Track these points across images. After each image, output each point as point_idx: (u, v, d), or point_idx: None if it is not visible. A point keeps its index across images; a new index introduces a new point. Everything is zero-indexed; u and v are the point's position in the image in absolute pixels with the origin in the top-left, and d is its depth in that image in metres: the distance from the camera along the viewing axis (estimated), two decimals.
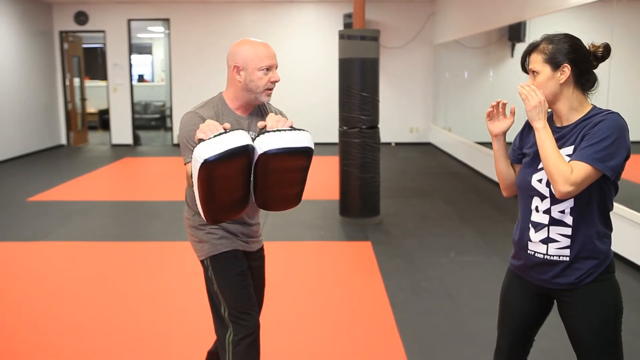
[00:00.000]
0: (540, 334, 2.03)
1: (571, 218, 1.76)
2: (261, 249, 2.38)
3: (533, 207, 1.83)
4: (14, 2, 9.79)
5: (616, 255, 4.26)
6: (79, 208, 6.30)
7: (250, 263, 2.29)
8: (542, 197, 1.81)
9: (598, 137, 1.68)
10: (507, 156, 1.98)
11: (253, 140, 1.89)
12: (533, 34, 6.33)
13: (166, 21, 11.36)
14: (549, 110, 1.83)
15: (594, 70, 1.81)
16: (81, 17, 11.10)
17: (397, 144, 11.36)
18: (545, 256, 1.81)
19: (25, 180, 7.93)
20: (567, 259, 1.78)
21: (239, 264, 2.20)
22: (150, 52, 16.02)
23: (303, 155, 1.94)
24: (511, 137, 1.97)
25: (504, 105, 1.94)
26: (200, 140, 1.80)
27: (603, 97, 4.36)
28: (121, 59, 11.25)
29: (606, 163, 1.67)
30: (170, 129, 12.04)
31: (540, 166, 1.81)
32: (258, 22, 10.99)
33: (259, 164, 1.88)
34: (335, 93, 6.30)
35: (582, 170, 1.67)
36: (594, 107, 1.80)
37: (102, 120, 13.69)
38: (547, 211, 1.80)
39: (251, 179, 1.94)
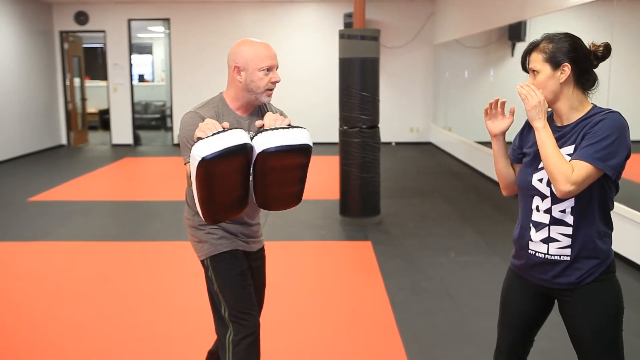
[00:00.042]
0: (540, 334, 2.03)
1: (572, 217, 1.76)
2: (262, 249, 2.37)
3: (534, 206, 1.83)
4: (14, 2, 9.79)
5: (617, 255, 4.26)
6: (79, 208, 6.30)
7: (250, 263, 2.28)
8: (543, 197, 1.80)
9: (599, 136, 1.68)
10: (506, 156, 1.98)
11: (252, 139, 1.88)
12: (533, 34, 6.33)
13: (166, 21, 11.36)
14: (549, 109, 1.83)
15: (594, 70, 1.81)
16: (81, 17, 11.10)
17: (397, 143, 11.36)
18: (546, 256, 1.81)
19: (25, 180, 7.93)
20: (568, 258, 1.78)
21: (239, 264, 2.20)
22: (150, 52, 16.02)
23: (302, 153, 1.93)
24: (511, 136, 1.96)
25: (503, 104, 1.93)
26: (199, 138, 1.79)
27: (603, 96, 4.35)
28: (121, 59, 11.25)
29: (607, 162, 1.67)
30: (171, 129, 12.04)
31: (540, 166, 1.80)
32: (258, 22, 10.98)
33: (258, 162, 1.87)
34: (336, 93, 6.30)
35: (583, 169, 1.67)
36: (594, 106, 1.80)
37: (103, 120, 13.69)
38: (548, 211, 1.79)
39: (250, 178, 1.93)
